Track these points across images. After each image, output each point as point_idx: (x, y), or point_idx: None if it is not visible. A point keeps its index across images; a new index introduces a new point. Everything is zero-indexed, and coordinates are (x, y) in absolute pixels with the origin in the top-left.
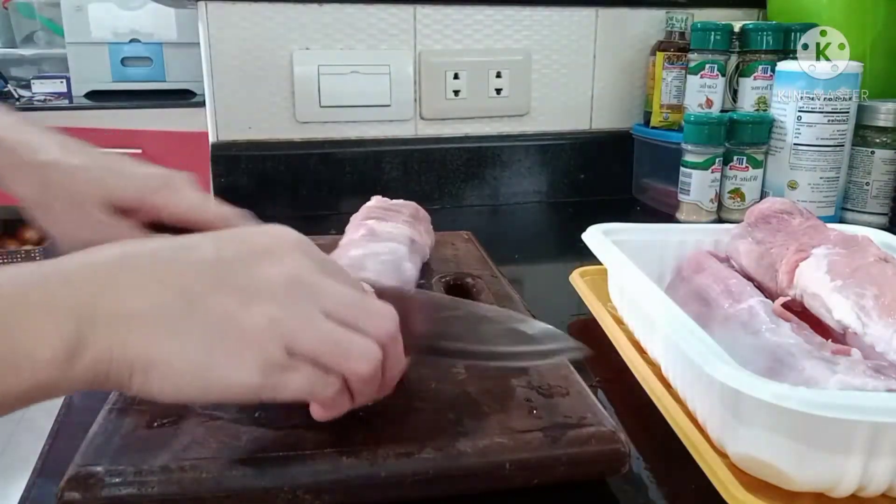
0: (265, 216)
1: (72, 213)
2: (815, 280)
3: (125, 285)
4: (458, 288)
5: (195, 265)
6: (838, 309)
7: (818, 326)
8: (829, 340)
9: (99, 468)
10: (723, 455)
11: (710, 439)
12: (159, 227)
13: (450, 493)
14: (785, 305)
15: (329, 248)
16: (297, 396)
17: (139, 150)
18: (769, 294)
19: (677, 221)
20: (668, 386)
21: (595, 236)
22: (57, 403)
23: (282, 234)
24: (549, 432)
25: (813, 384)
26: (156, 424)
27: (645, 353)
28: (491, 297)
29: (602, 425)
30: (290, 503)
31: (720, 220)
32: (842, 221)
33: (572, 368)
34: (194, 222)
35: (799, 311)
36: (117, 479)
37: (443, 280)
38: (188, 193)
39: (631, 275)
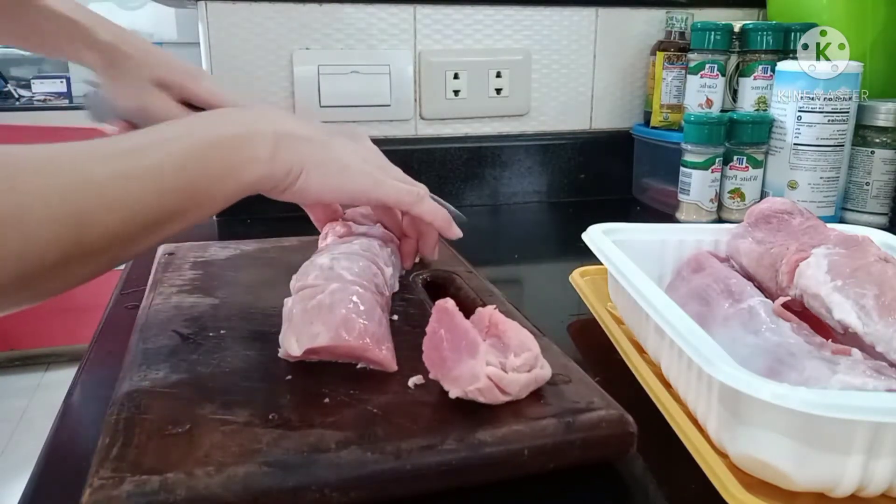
0: (266, 216)
1: (130, 82)
2: (815, 280)
3: (292, 122)
4: (437, 286)
5: (327, 124)
6: (838, 309)
7: (818, 326)
8: (830, 340)
9: (123, 479)
10: (723, 455)
11: (710, 439)
12: (185, 104)
13: (470, 483)
14: (785, 305)
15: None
16: (395, 196)
17: None
18: (769, 294)
19: (677, 221)
20: (668, 386)
21: (595, 236)
22: (57, 403)
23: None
24: (562, 418)
25: (813, 384)
26: (167, 432)
27: (645, 353)
28: (471, 291)
29: (611, 408)
30: (319, 502)
31: (720, 220)
32: (842, 221)
33: (568, 357)
34: (211, 104)
35: (799, 311)
36: (145, 489)
37: (420, 278)
38: (208, 83)
39: (631, 274)
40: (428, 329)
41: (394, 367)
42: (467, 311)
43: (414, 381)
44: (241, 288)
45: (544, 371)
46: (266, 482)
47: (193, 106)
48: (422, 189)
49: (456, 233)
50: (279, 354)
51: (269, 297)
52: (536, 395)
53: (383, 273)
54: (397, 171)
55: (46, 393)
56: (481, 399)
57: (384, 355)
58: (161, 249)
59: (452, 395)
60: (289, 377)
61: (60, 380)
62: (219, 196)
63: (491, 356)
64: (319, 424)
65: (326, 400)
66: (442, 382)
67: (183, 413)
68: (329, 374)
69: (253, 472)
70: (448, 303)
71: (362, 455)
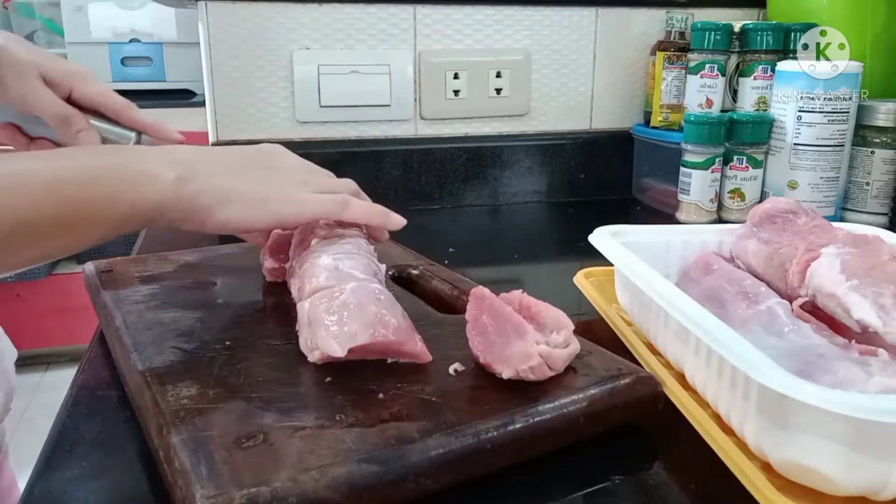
0: None
1: (16, 77)
2: (829, 279)
3: (207, 155)
4: (404, 280)
5: (241, 152)
6: (857, 308)
7: (832, 326)
8: (853, 342)
9: (231, 495)
10: (745, 448)
11: (729, 431)
12: (71, 102)
13: (534, 454)
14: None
15: None
16: (322, 210)
17: None
18: (778, 294)
19: (677, 221)
20: (686, 387)
21: (604, 239)
22: (57, 403)
23: (281, 147)
24: (603, 385)
25: (850, 386)
26: (245, 445)
27: (657, 352)
28: (444, 282)
29: (639, 373)
30: (414, 492)
31: (720, 220)
32: (842, 221)
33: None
34: (97, 104)
35: (809, 311)
36: (258, 501)
37: (388, 274)
38: (95, 84)
39: (652, 278)
40: (468, 317)
41: (428, 357)
42: (448, 300)
43: (454, 367)
44: (215, 299)
45: (576, 345)
46: (369, 478)
47: (82, 107)
48: (349, 185)
49: (397, 223)
50: (311, 359)
51: (250, 306)
52: (570, 368)
53: (379, 269)
54: (321, 175)
55: (46, 393)
56: (531, 377)
57: (420, 347)
58: (92, 267)
59: (505, 375)
60: (328, 379)
61: (60, 380)
62: (110, 217)
63: (538, 336)
64: (390, 418)
65: (381, 395)
66: (493, 365)
67: (247, 425)
68: (366, 371)
69: (354, 470)
70: (484, 290)
71: (446, 440)
